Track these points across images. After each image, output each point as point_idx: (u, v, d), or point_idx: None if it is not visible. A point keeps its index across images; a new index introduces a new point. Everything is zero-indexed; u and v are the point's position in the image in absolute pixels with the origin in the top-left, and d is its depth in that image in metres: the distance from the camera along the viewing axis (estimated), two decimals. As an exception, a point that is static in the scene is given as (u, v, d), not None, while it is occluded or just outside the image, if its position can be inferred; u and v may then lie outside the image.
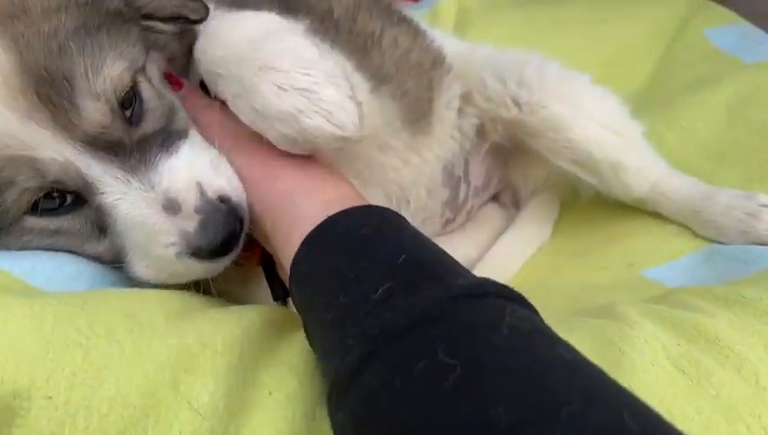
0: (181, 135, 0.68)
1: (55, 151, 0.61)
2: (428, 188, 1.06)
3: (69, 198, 0.65)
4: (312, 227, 0.59)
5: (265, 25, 0.71)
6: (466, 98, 1.07)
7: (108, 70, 0.64)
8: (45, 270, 0.64)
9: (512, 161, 1.13)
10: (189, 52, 0.77)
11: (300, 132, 0.64)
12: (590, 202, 1.10)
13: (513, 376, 0.42)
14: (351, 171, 0.79)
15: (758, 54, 1.27)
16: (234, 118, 0.69)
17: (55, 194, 0.64)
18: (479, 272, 1.03)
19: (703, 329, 0.66)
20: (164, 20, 0.74)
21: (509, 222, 1.14)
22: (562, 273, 1.04)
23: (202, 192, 0.64)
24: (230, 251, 0.66)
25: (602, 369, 0.46)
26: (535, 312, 0.53)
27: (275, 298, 0.74)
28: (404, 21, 1.09)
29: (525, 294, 0.97)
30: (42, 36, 0.62)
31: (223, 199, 0.65)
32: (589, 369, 0.45)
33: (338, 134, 0.63)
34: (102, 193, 0.63)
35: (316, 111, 0.63)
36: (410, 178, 1.03)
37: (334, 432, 0.50)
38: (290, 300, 0.70)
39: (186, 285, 0.69)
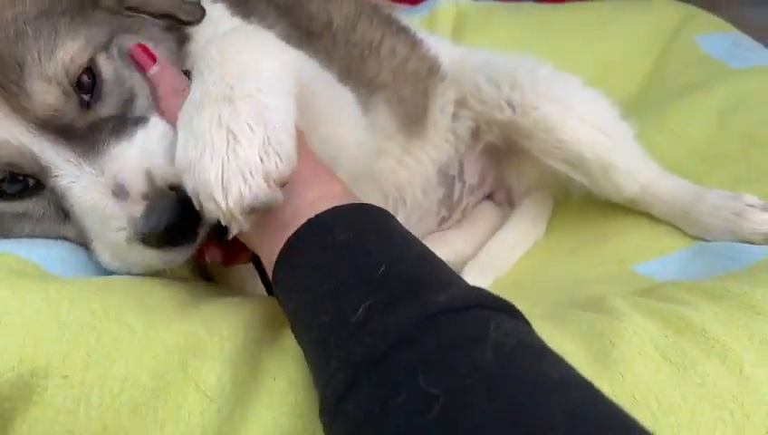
0: (139, 121, 0.67)
1: (8, 134, 0.63)
2: (424, 187, 1.09)
3: (30, 182, 0.66)
4: (293, 230, 0.57)
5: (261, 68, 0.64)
6: (461, 102, 1.11)
7: (61, 53, 0.64)
8: (60, 257, 0.66)
9: (506, 161, 1.16)
10: (179, 44, 0.78)
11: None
12: (583, 201, 1.13)
13: (497, 403, 0.41)
14: (346, 173, 0.80)
15: (747, 61, 1.30)
16: None
17: (20, 178, 0.66)
18: (474, 267, 1.06)
19: (690, 321, 0.69)
20: (153, 15, 0.75)
21: (504, 220, 1.17)
22: (556, 268, 1.07)
23: (151, 179, 0.63)
24: (185, 242, 0.65)
25: (589, 383, 0.45)
26: (521, 319, 0.52)
27: (270, 293, 0.74)
28: (403, 31, 1.13)
29: (520, 289, 1.01)
30: (3, 23, 0.64)
31: (173, 188, 0.63)
32: (575, 386, 0.44)
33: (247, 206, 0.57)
34: (56, 176, 0.64)
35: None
36: (406, 178, 1.06)
37: None
38: None
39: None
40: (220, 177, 0.56)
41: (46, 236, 0.69)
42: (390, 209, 1.05)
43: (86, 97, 0.66)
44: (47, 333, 0.54)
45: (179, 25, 0.78)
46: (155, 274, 0.68)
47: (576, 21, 1.51)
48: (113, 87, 0.68)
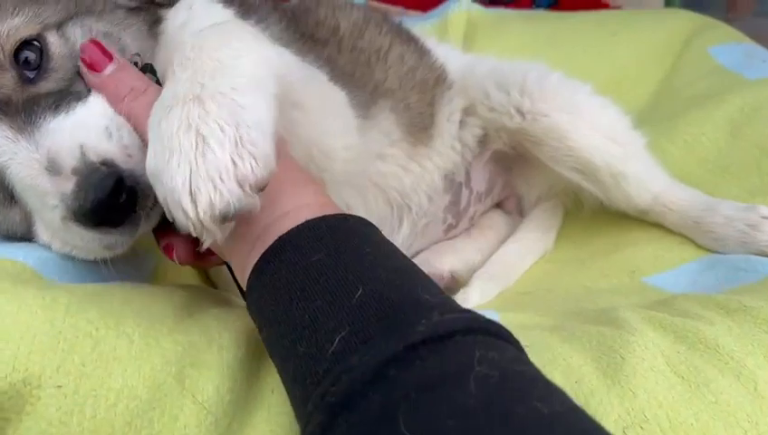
0: (80, 96, 0.64)
1: None
2: (429, 194, 1.07)
3: None
4: (264, 247, 0.54)
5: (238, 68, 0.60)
6: (469, 110, 1.10)
7: (2, 27, 0.62)
8: (57, 262, 0.65)
9: (516, 169, 1.15)
10: (151, 26, 0.75)
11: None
12: (593, 211, 1.11)
13: None
14: (348, 178, 0.79)
15: (761, 72, 1.29)
16: None
17: None
18: (481, 277, 1.04)
19: (702, 336, 0.67)
20: None
21: (513, 229, 1.15)
22: (565, 278, 1.05)
23: (83, 154, 0.60)
24: (122, 222, 0.62)
25: (584, 415, 0.42)
26: (511, 342, 0.49)
27: (244, 298, 0.68)
28: (412, 40, 1.12)
29: (528, 298, 1.00)
30: None
31: (106, 163, 0.60)
32: (568, 421, 0.41)
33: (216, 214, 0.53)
34: None
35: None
36: (410, 185, 1.05)
37: None
38: None
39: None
40: (188, 183, 0.52)
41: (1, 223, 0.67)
42: (395, 216, 1.05)
43: (30, 74, 0.64)
44: (42, 341, 0.53)
45: (152, 7, 0.75)
46: (154, 279, 0.67)
47: (588, 30, 1.50)
48: (60, 64, 0.65)
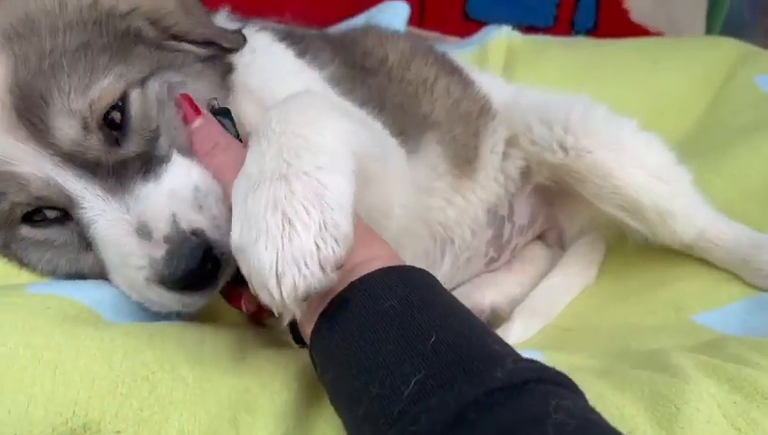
0: (164, 160, 0.67)
1: (35, 167, 0.64)
2: (472, 228, 1.07)
3: (57, 212, 0.67)
4: (334, 294, 0.56)
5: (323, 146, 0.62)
6: (512, 141, 1.09)
7: (93, 89, 0.64)
8: (113, 301, 0.66)
9: (558, 202, 1.13)
10: (223, 76, 0.77)
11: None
12: (636, 244, 1.09)
13: None
14: (402, 231, 0.79)
15: (809, 101, 1.27)
16: None
17: (48, 208, 0.66)
18: (523, 311, 1.03)
19: (759, 386, 0.65)
20: (194, 43, 0.75)
21: (554, 262, 1.14)
22: (609, 314, 1.03)
23: (175, 222, 0.63)
24: (203, 286, 0.64)
25: None
26: (578, 393, 0.50)
27: (296, 341, 0.68)
28: (456, 71, 1.12)
29: (572, 335, 0.98)
30: (41, 55, 0.64)
31: (196, 233, 0.63)
32: None
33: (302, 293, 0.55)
34: (83, 208, 0.64)
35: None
36: (454, 218, 1.04)
37: None
38: None
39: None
40: (275, 267, 0.54)
41: (68, 266, 0.70)
42: (438, 249, 1.05)
43: (116, 133, 0.66)
44: (101, 386, 0.54)
45: (221, 54, 0.78)
46: (206, 319, 0.67)
47: (628, 57, 1.48)
48: (140, 124, 0.68)
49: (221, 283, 0.66)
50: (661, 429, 0.61)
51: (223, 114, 0.73)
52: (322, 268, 0.54)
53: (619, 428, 0.60)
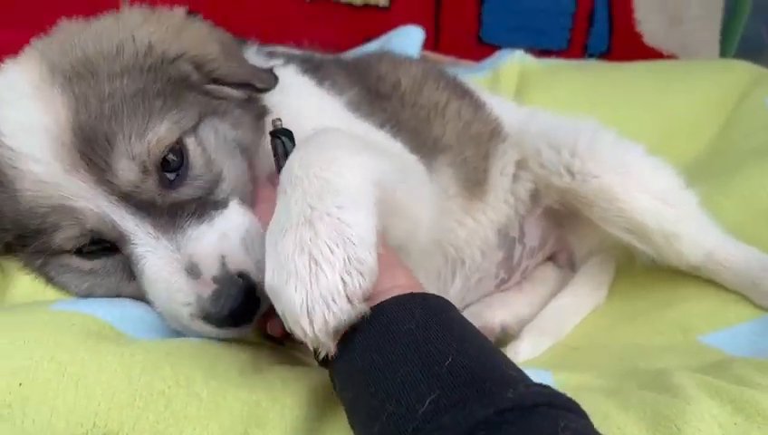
0: (219, 205, 0.72)
1: (92, 203, 0.68)
2: (482, 249, 1.09)
3: (105, 245, 0.71)
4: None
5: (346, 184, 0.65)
6: (522, 164, 1.11)
7: (150, 134, 0.68)
8: (133, 317, 0.69)
9: (567, 224, 1.15)
10: (257, 119, 0.81)
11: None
12: (645, 266, 1.10)
13: None
14: (412, 254, 0.81)
15: (821, 124, 1.27)
16: None
17: (99, 241, 0.70)
18: (532, 330, 1.05)
19: (761, 407, 0.66)
20: (232, 85, 0.79)
21: (564, 282, 1.15)
22: (617, 334, 1.04)
23: (224, 264, 0.67)
24: (242, 323, 0.69)
25: None
26: (586, 419, 0.52)
27: (320, 363, 0.68)
28: (467, 94, 1.15)
29: (580, 354, 0.99)
30: (100, 98, 0.68)
31: (242, 275, 0.68)
32: None
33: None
34: (134, 244, 0.68)
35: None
36: (465, 239, 1.07)
37: None
38: None
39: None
40: (305, 306, 0.57)
41: (105, 293, 0.74)
42: (449, 269, 1.07)
43: (170, 176, 0.70)
44: (120, 398, 0.57)
45: (255, 94, 0.81)
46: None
47: (641, 80, 1.50)
48: (199, 170, 0.72)
49: (257, 318, 0.69)
50: (663, 447, 0.62)
51: (285, 135, 0.77)
52: (350, 301, 0.58)
53: (623, 447, 0.62)
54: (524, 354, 1.00)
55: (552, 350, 1.03)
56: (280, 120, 0.78)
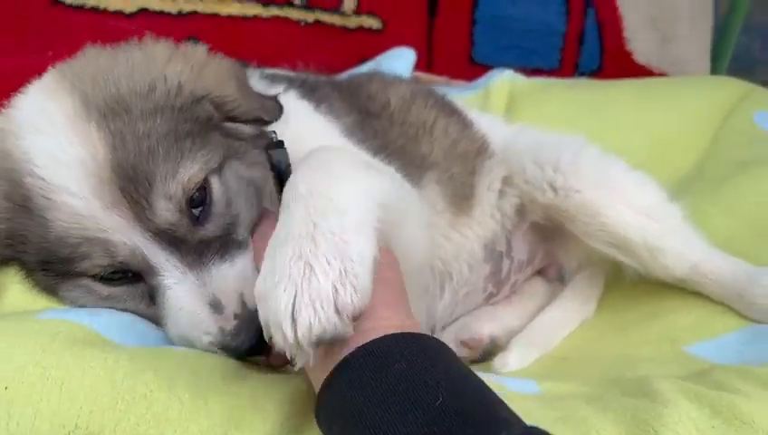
0: (240, 245, 0.74)
1: (127, 238, 0.70)
2: (469, 263, 1.10)
3: (128, 274, 0.73)
4: (343, 355, 0.58)
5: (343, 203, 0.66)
6: (508, 180, 1.13)
7: (183, 174, 0.71)
8: (120, 326, 0.71)
9: (556, 238, 1.16)
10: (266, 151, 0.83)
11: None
12: (633, 278, 1.11)
13: None
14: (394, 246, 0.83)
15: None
16: None
17: (118, 271, 0.72)
18: (520, 341, 1.06)
19: (738, 411, 0.67)
20: (246, 122, 0.81)
21: (554, 296, 1.16)
22: (606, 345, 1.05)
23: (244, 301, 0.70)
24: (254, 355, 0.70)
25: None
26: None
27: None
28: (455, 112, 1.18)
29: (567, 364, 1.00)
30: (136, 136, 0.70)
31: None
32: None
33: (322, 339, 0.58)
34: (161, 276, 0.71)
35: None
36: (452, 253, 1.08)
37: None
38: None
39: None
40: (290, 307, 0.57)
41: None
42: (437, 284, 1.08)
43: (196, 212, 0.73)
44: (102, 401, 0.58)
45: (263, 126, 0.84)
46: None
47: (631, 97, 1.52)
48: (220, 209, 0.74)
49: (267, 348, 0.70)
50: (641, 451, 0.63)
51: (279, 147, 0.80)
52: (338, 313, 0.57)
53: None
54: (512, 365, 1.00)
55: (540, 361, 1.04)
56: (275, 132, 0.80)
